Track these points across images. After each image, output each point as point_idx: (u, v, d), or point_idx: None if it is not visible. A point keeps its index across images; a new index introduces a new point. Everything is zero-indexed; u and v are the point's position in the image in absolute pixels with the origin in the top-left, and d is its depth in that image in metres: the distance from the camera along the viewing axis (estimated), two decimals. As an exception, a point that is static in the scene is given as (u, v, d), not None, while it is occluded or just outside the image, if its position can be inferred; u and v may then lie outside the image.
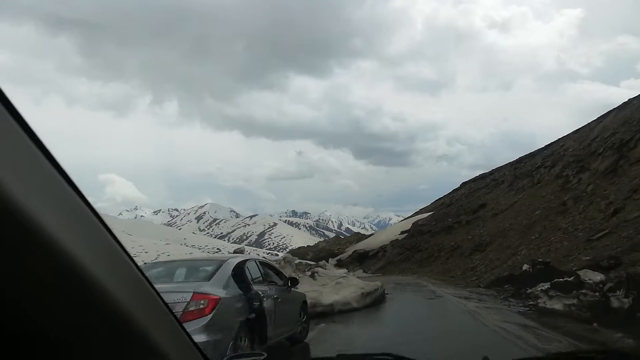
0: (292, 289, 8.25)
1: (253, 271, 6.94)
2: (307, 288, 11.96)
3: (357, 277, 18.24)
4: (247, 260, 7.14)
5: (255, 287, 6.45)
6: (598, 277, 9.82)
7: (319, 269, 15.29)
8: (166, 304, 1.24)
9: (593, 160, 24.38)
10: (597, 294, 9.28)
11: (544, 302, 10.37)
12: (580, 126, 36.65)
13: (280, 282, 7.99)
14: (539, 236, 21.12)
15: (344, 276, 15.07)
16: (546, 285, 10.92)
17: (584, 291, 9.56)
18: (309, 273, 14.56)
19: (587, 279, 9.83)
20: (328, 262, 18.64)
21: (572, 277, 10.37)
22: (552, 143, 38.95)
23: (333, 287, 13.19)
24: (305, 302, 9.00)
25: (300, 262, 18.58)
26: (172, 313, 1.28)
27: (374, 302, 13.67)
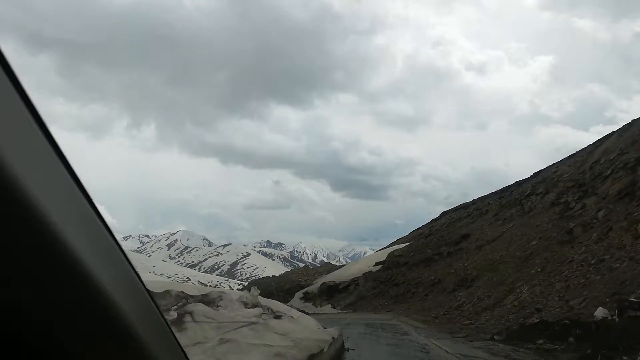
0: None
1: None
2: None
3: (304, 316, 10.84)
4: None
5: None
6: None
7: (200, 307, 8.12)
8: (167, 323, 1.25)
9: (599, 183, 21.19)
10: None
11: None
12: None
13: None
14: (542, 270, 17.54)
15: (255, 322, 8.11)
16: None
17: None
18: (174, 315, 7.79)
19: None
20: (250, 292, 10.71)
21: None
22: (542, 170, 36.13)
23: (214, 349, 6.74)
24: None
25: (169, 291, 9.52)
26: (172, 331, 1.27)
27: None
